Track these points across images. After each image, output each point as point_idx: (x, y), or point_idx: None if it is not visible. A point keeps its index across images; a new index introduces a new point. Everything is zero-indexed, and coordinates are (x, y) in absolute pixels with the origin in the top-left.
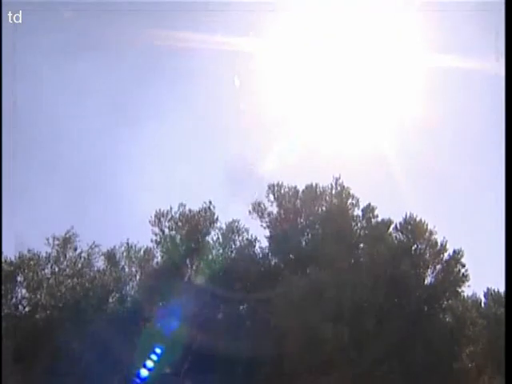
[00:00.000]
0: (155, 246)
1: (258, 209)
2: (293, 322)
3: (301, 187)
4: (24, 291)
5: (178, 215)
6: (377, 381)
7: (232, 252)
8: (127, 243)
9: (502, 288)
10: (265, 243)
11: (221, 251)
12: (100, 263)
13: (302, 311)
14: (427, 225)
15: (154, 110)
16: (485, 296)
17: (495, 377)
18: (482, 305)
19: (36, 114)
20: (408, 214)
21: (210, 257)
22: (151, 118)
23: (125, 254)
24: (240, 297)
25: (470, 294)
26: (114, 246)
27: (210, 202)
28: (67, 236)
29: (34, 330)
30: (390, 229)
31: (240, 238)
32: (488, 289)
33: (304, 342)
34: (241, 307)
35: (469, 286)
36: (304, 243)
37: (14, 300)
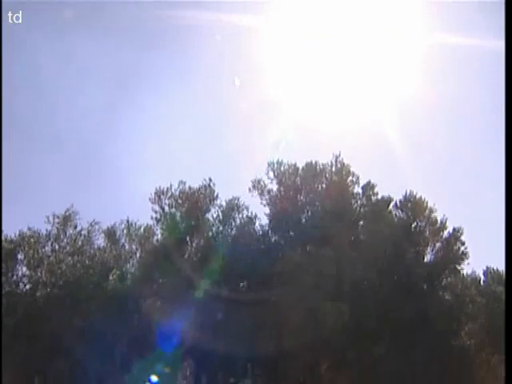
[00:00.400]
0: (155, 223)
1: (257, 186)
2: (292, 299)
3: (301, 164)
4: (24, 269)
5: (178, 193)
6: (376, 357)
7: (232, 229)
8: (127, 221)
9: (501, 266)
10: (265, 220)
11: (221, 228)
12: (100, 241)
13: (301, 288)
14: (427, 202)
15: (154, 88)
16: (484, 274)
17: (493, 353)
18: (482, 283)
19: (37, 92)
20: (408, 192)
21: (210, 234)
22: (152, 96)
23: (125, 231)
24: (240, 274)
25: (469, 272)
26: (114, 224)
27: (210, 180)
28: (67, 214)
29: (34, 307)
30: (390, 206)
31: (240, 215)
32: (487, 267)
33: (304, 319)
34: (241, 284)
35: (468, 264)
36: (304, 220)
37: (14, 277)
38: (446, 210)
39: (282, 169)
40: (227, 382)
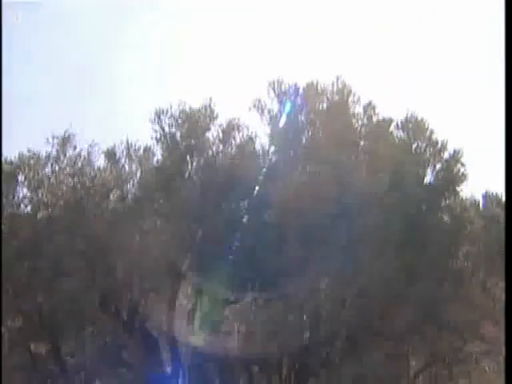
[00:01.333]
0: (155, 143)
1: (258, 105)
2: (291, 217)
3: (302, 84)
4: (25, 190)
5: (177, 112)
6: (373, 276)
7: (232, 148)
8: (127, 141)
9: (500, 190)
10: (265, 140)
11: (221, 147)
12: (100, 161)
13: (300, 207)
14: (428, 124)
15: (153, 2)
16: (483, 198)
17: (490, 275)
18: (481, 206)
19: (35, 9)
20: (409, 113)
21: (210, 153)
22: (151, 12)
23: (125, 152)
24: (240, 192)
25: (468, 196)
26: (114, 144)
27: (210, 99)
28: (66, 135)
29: (36, 227)
30: (391, 127)
31: (240, 134)
32: (486, 191)
33: (303, 237)
34: (241, 203)
35: (467, 187)
36: (304, 140)
37: (15, 199)
38: (447, 131)
39: (283, 88)
40: (227, 301)
